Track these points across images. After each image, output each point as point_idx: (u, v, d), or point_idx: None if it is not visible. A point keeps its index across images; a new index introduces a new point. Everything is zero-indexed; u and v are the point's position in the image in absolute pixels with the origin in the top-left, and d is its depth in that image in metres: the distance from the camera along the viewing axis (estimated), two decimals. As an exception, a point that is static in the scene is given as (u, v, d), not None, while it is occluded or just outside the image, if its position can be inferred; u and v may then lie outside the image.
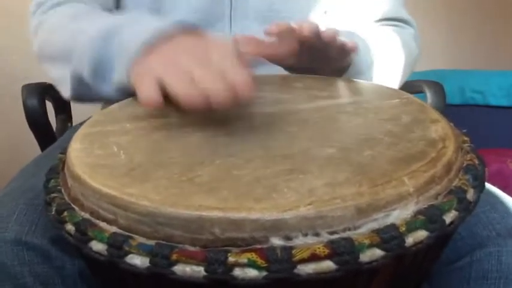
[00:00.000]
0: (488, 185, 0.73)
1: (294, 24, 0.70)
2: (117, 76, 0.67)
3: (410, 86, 1.10)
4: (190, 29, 0.65)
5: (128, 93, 0.68)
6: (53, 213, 0.51)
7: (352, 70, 0.82)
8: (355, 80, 0.75)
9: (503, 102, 1.88)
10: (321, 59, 0.76)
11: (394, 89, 0.70)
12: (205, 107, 0.55)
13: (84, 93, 0.75)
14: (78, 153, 0.55)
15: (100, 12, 0.83)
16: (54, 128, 1.09)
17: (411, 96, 0.66)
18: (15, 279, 0.62)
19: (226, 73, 0.56)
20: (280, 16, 0.92)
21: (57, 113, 1.13)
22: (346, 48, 0.74)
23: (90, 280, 0.65)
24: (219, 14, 0.92)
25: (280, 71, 0.80)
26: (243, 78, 0.55)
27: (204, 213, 0.42)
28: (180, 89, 0.56)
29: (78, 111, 1.10)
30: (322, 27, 0.71)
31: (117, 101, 0.70)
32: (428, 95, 1.06)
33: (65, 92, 0.78)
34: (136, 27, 0.68)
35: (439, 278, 0.69)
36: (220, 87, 0.55)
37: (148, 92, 0.57)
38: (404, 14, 1.01)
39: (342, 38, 0.73)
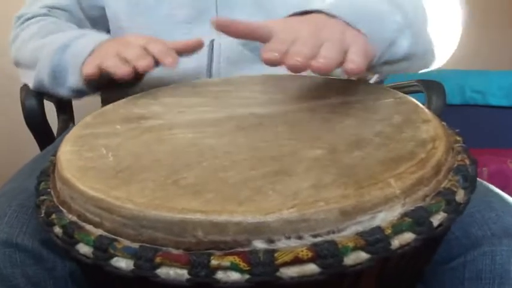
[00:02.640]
0: (485, 183, 0.73)
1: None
2: (71, 80, 0.82)
3: (410, 86, 1.09)
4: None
5: (82, 95, 0.86)
6: (42, 215, 0.52)
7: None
8: (347, 79, 0.74)
9: (503, 102, 1.88)
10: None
11: (388, 89, 0.70)
12: (131, 73, 0.72)
13: (45, 91, 0.91)
14: (67, 155, 0.55)
15: (61, 26, 0.97)
16: (56, 128, 1.09)
17: (405, 95, 0.65)
18: (7, 281, 0.62)
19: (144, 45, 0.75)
20: (267, 7, 0.90)
21: (59, 113, 1.14)
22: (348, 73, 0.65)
23: (81, 281, 0.65)
24: (205, 7, 0.91)
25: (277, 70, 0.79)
26: (162, 48, 0.74)
27: (187, 216, 0.42)
28: (110, 63, 0.73)
29: (80, 111, 1.10)
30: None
31: (116, 100, 0.71)
32: (428, 95, 1.05)
33: (30, 85, 0.93)
34: (83, 40, 0.85)
35: (433, 278, 0.68)
36: (137, 52, 0.73)
37: (89, 67, 0.76)
38: None
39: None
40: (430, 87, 1.06)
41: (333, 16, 0.66)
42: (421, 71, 0.88)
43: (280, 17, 0.70)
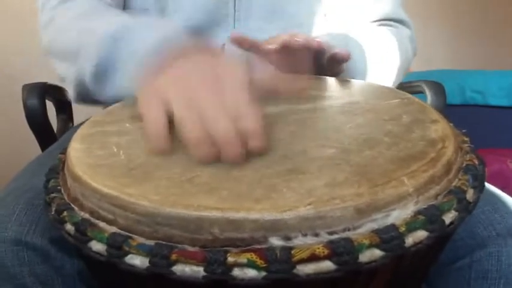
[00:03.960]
0: (488, 185, 0.73)
1: (285, 37, 0.72)
2: (120, 79, 0.66)
3: (411, 86, 1.10)
4: (200, 40, 0.63)
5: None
6: (53, 213, 0.51)
7: (345, 75, 0.81)
8: (355, 80, 0.75)
9: (503, 102, 1.88)
10: (313, 67, 0.76)
11: (394, 89, 0.70)
12: (212, 157, 0.50)
13: (86, 94, 0.73)
14: (78, 153, 0.55)
15: (109, 11, 0.80)
16: (56, 128, 1.09)
17: (411, 96, 0.66)
18: (15, 279, 0.62)
19: (240, 123, 0.51)
20: (284, 16, 0.93)
21: (58, 113, 1.14)
22: (338, 57, 0.74)
23: (89, 280, 0.65)
24: (223, 14, 0.92)
25: None
26: (256, 132, 0.51)
27: (203, 214, 0.42)
28: (190, 131, 0.51)
29: (79, 111, 1.10)
30: (315, 35, 0.72)
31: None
32: (429, 95, 1.06)
33: (70, 92, 0.77)
34: (145, 31, 0.66)
35: (438, 278, 0.69)
36: (232, 144, 0.50)
37: (155, 117, 0.54)
38: (401, 14, 1.01)
39: (335, 47, 0.74)
40: (430, 87, 1.06)
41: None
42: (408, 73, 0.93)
43: (295, 25, 0.73)
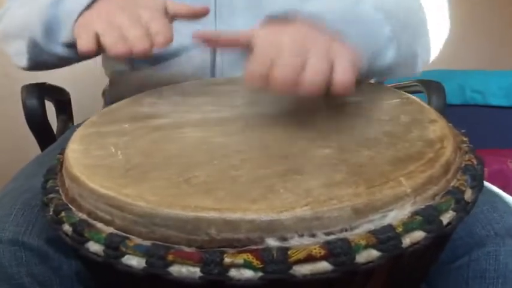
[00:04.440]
0: (487, 184, 0.73)
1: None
2: (65, 34, 0.75)
3: (410, 86, 1.09)
4: None
5: (76, 55, 0.76)
6: (51, 213, 0.52)
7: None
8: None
9: (503, 102, 1.88)
10: None
11: (393, 89, 0.70)
12: (126, 53, 0.65)
13: (40, 58, 0.82)
14: (76, 154, 0.55)
15: None
16: (55, 128, 1.09)
17: (411, 96, 0.66)
18: (13, 280, 0.61)
19: (147, 23, 0.67)
20: (266, 12, 0.89)
21: (58, 113, 1.13)
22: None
23: (87, 280, 0.65)
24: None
25: None
26: (159, 27, 0.67)
27: (200, 214, 0.42)
28: (108, 40, 0.66)
29: (79, 111, 1.10)
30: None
31: (117, 101, 0.70)
32: (428, 95, 1.06)
33: (22, 62, 0.85)
34: None
35: (437, 277, 0.69)
36: (138, 34, 0.65)
37: (85, 41, 0.68)
38: None
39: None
40: (430, 87, 1.06)
41: (320, 24, 0.61)
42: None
43: None
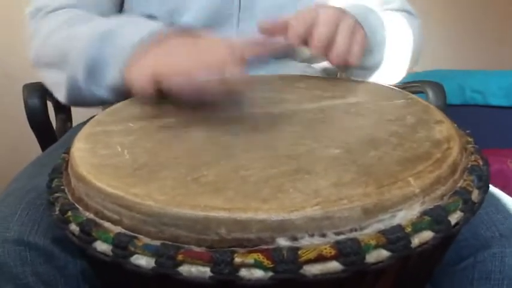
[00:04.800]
0: (490, 186, 0.73)
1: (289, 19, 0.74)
2: (111, 77, 0.69)
3: (411, 86, 1.09)
4: (185, 31, 0.68)
5: (122, 95, 0.70)
6: (57, 213, 0.51)
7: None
8: (359, 80, 0.75)
9: (503, 102, 1.88)
10: None
11: (398, 90, 0.70)
12: (198, 98, 0.59)
13: (79, 97, 0.76)
14: (82, 153, 0.55)
15: (95, 17, 0.83)
16: (54, 128, 1.08)
17: (415, 96, 0.66)
18: (18, 279, 0.61)
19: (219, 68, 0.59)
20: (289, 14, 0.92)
21: (57, 113, 1.13)
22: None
23: (92, 280, 0.64)
24: (228, 14, 0.92)
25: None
26: (235, 71, 0.59)
27: (210, 214, 0.42)
28: (174, 81, 0.60)
29: (78, 111, 1.10)
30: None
31: (116, 102, 0.70)
32: (429, 95, 1.06)
33: (61, 96, 0.79)
34: (130, 29, 0.70)
35: (442, 278, 0.69)
36: (213, 78, 0.58)
37: (143, 83, 0.62)
38: (410, 8, 1.00)
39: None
40: (430, 87, 1.06)
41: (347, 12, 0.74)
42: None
43: None
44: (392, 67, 0.89)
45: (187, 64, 0.61)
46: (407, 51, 0.91)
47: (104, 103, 0.75)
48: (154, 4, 0.91)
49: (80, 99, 0.76)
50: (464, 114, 1.79)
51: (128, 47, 0.67)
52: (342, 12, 0.74)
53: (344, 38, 0.71)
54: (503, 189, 0.74)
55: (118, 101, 0.70)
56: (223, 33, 0.91)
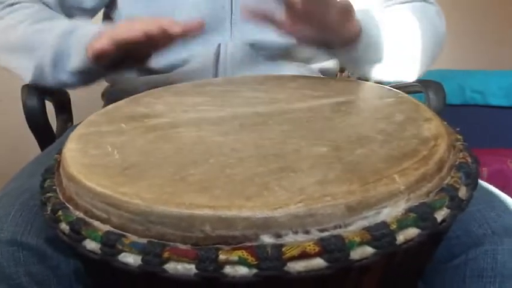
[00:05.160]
0: (485, 184, 0.73)
1: None
2: (74, 62, 0.83)
3: (410, 86, 1.09)
4: None
5: (83, 79, 0.87)
6: (48, 212, 0.52)
7: (363, 40, 0.82)
8: (349, 79, 0.75)
9: (503, 102, 1.88)
10: (324, 25, 0.77)
11: (388, 88, 0.70)
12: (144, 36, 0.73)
13: (42, 80, 0.89)
14: (73, 153, 0.56)
15: (53, 15, 0.95)
16: (55, 128, 1.09)
17: (406, 95, 0.66)
18: (11, 279, 0.62)
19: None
20: None
21: (57, 113, 1.13)
22: (341, 7, 0.75)
23: (85, 279, 0.65)
24: (221, 18, 0.93)
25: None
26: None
27: (195, 211, 0.42)
28: (124, 31, 0.74)
29: (78, 111, 1.10)
30: None
31: (116, 101, 0.71)
32: (429, 95, 1.06)
33: (26, 76, 0.91)
34: (90, 26, 0.85)
35: (434, 276, 0.69)
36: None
37: (101, 43, 0.75)
38: None
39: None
40: (430, 87, 1.06)
41: None
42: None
43: None
44: (398, 66, 0.90)
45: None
46: (413, 49, 0.91)
47: (65, 86, 0.93)
48: (139, 7, 0.93)
49: (43, 82, 0.89)
50: (464, 114, 1.79)
51: (89, 34, 0.81)
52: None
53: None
54: (502, 189, 0.74)
55: (79, 86, 0.88)
56: (217, 37, 0.91)
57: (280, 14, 0.77)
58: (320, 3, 0.74)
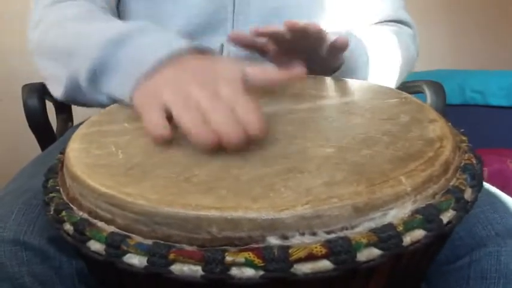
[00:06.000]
0: (487, 185, 0.73)
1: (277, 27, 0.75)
2: (115, 85, 0.66)
3: (410, 86, 1.10)
4: (198, 49, 0.65)
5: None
6: (52, 213, 0.52)
7: (344, 68, 0.83)
8: (353, 80, 0.75)
9: (503, 102, 1.88)
10: (312, 59, 0.77)
11: (392, 89, 0.70)
12: (215, 146, 0.52)
13: (77, 96, 0.73)
14: (76, 153, 0.55)
15: (103, 16, 0.81)
16: (55, 128, 1.09)
17: (409, 96, 0.66)
18: (14, 279, 0.62)
19: (237, 112, 0.53)
20: (282, 21, 0.92)
21: (57, 113, 1.13)
22: (338, 44, 0.75)
23: (88, 279, 0.65)
24: (222, 19, 0.92)
25: None
26: (254, 118, 0.53)
27: (201, 213, 0.42)
28: (191, 127, 0.52)
29: (79, 111, 1.10)
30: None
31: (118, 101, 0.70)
32: (428, 95, 1.06)
33: (56, 91, 0.77)
34: (147, 38, 0.66)
35: (438, 278, 0.69)
36: (232, 129, 0.51)
37: (156, 121, 0.55)
38: (403, 15, 1.01)
39: (332, 36, 0.75)
40: (430, 87, 1.06)
41: None
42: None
43: None
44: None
45: (199, 96, 0.54)
46: (394, 69, 0.93)
47: (102, 106, 0.70)
48: (141, 3, 0.92)
49: (77, 97, 0.74)
50: (464, 114, 1.79)
51: (142, 62, 0.61)
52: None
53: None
54: (502, 189, 0.74)
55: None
56: (219, 38, 0.91)
57: (268, 44, 0.79)
58: (316, 39, 0.75)
